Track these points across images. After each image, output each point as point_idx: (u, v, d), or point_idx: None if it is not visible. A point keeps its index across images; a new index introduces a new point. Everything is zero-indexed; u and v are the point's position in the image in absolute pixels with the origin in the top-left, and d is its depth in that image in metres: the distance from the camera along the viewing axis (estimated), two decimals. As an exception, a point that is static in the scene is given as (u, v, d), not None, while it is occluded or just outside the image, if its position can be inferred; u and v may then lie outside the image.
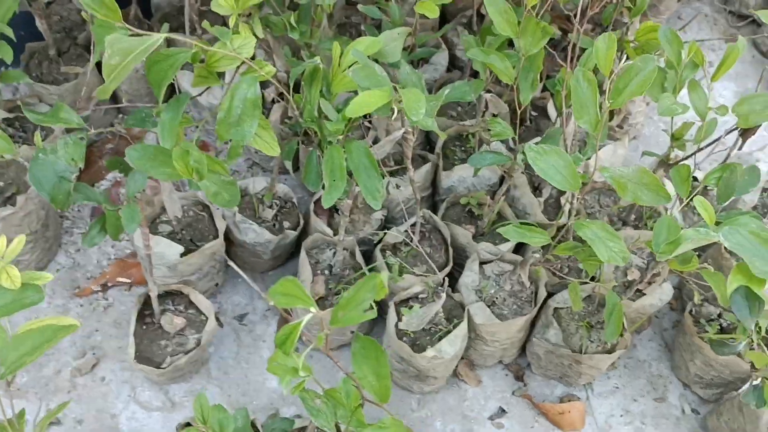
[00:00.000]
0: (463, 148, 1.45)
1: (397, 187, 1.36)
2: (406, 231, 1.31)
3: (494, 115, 1.43)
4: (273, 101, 1.46)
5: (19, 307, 0.79)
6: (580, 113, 0.92)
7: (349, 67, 0.96)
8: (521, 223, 1.05)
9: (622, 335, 1.23)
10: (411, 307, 1.22)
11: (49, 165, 0.92)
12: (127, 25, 0.84)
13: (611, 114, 1.49)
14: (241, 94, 0.91)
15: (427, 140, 1.53)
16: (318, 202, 1.34)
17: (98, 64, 0.88)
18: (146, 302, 1.22)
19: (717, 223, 0.91)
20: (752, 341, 0.95)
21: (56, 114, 0.98)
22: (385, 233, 1.30)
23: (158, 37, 0.82)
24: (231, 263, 0.92)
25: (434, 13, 1.08)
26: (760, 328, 0.91)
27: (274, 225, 1.33)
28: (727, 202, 1.02)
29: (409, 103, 0.81)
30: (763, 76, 1.35)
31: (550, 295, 1.28)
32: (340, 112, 0.99)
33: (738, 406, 1.17)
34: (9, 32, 1.18)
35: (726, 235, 0.81)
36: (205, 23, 1.14)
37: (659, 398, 1.36)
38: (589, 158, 1.01)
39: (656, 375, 1.38)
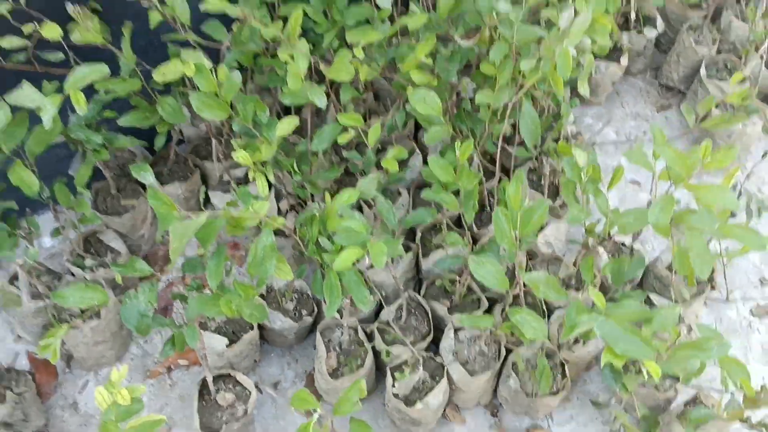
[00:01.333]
0: (437, 235, 1.84)
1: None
2: (397, 309, 1.70)
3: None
4: (287, 211, 1.86)
5: (129, 416, 1.19)
6: (501, 239, 1.31)
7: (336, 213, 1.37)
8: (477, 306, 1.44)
9: (564, 378, 1.60)
10: (403, 372, 1.61)
11: (134, 307, 1.33)
12: (181, 211, 1.25)
13: (556, 195, 1.87)
14: (262, 243, 1.31)
15: (411, 230, 1.92)
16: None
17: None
18: (203, 383, 1.63)
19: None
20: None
21: (132, 265, 1.39)
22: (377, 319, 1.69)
23: (203, 218, 1.22)
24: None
25: (395, 167, 1.48)
26: (626, 388, 1.28)
27: (294, 313, 1.73)
28: (619, 285, 1.40)
29: (375, 256, 1.21)
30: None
31: (509, 351, 1.66)
32: (334, 243, 1.39)
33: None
34: (87, 194, 1.60)
35: (599, 326, 1.19)
36: (233, 186, 1.55)
37: (606, 422, 1.73)
38: (512, 261, 1.39)
39: (603, 404, 1.75)
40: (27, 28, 1.43)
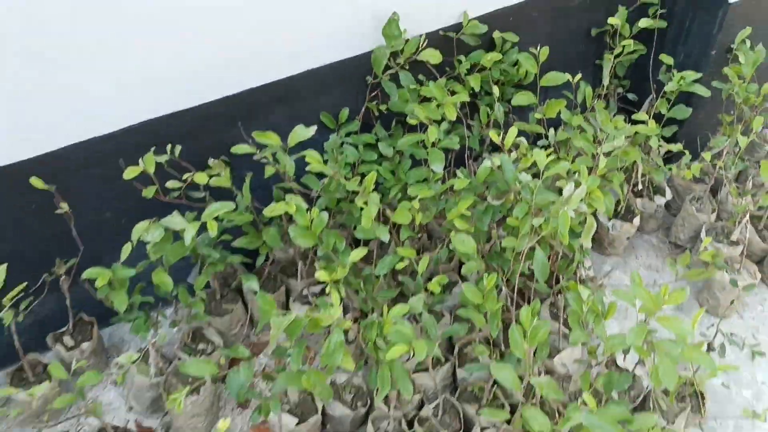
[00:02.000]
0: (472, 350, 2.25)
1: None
2: (435, 407, 2.10)
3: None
4: (352, 321, 2.32)
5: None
6: (515, 348, 1.73)
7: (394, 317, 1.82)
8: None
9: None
10: (435, 458, 1.98)
11: (236, 380, 1.78)
12: (277, 309, 1.73)
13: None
14: (334, 339, 1.77)
15: (450, 344, 2.34)
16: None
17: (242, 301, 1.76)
18: (275, 455, 2.03)
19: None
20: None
21: (236, 349, 1.87)
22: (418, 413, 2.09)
23: (293, 315, 1.70)
24: None
25: (438, 290, 1.94)
26: None
27: (351, 404, 2.15)
28: (609, 394, 1.78)
29: (418, 351, 1.65)
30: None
31: (524, 451, 2.01)
32: (388, 347, 1.83)
33: None
34: (203, 295, 2.11)
35: (586, 419, 1.56)
36: (311, 299, 2.03)
37: None
38: (524, 370, 1.79)
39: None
40: (186, 175, 2.00)
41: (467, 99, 2.26)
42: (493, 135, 1.99)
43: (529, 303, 2.25)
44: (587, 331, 1.89)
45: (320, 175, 2.18)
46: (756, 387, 2.31)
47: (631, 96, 2.77)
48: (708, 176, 2.71)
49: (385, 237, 1.97)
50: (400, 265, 2.00)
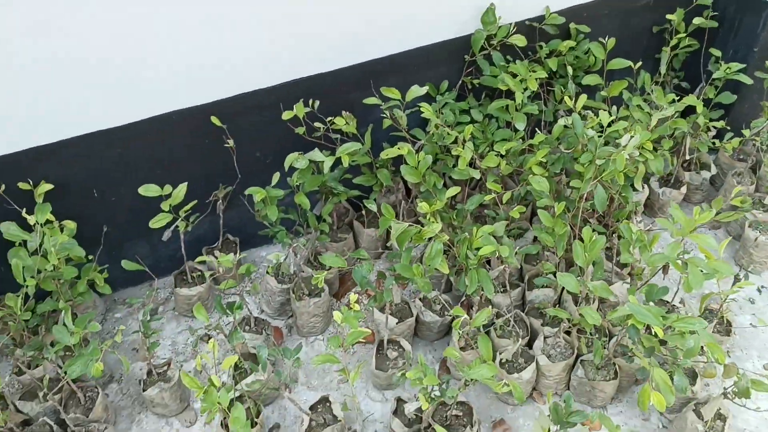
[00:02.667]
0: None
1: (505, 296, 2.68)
2: (506, 320, 2.61)
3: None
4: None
5: (355, 322, 2.16)
6: (576, 257, 2.24)
7: (479, 237, 2.35)
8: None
9: (616, 378, 2.42)
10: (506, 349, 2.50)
11: (360, 271, 2.34)
12: (395, 219, 2.29)
13: (624, 266, 2.76)
14: (435, 246, 2.32)
15: (520, 273, 2.85)
16: (463, 302, 2.68)
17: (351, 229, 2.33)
18: (380, 344, 2.58)
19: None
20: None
21: (359, 252, 2.43)
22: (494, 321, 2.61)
23: (405, 225, 2.25)
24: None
25: (517, 216, 2.47)
26: (642, 342, 2.11)
27: (440, 313, 2.68)
28: (650, 301, 2.27)
29: (503, 251, 2.18)
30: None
31: (579, 357, 2.50)
32: (476, 256, 2.36)
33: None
34: (329, 220, 2.69)
35: (630, 307, 2.06)
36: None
37: (645, 419, 2.50)
38: (582, 275, 2.29)
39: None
40: (329, 119, 2.59)
41: (545, 76, 2.79)
42: (567, 99, 2.52)
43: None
44: (635, 258, 2.38)
45: (425, 126, 2.74)
46: (780, 327, 2.75)
47: (684, 84, 3.25)
48: (750, 156, 3.15)
49: (476, 175, 2.51)
50: (488, 198, 2.52)
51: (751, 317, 2.79)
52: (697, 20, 2.99)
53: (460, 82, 2.93)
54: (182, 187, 2.53)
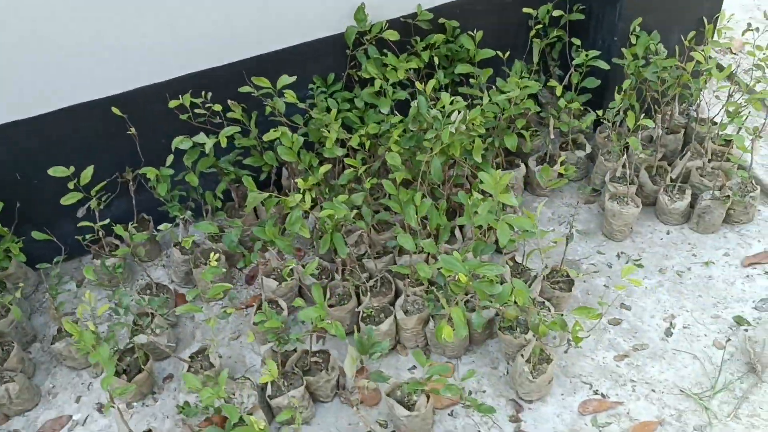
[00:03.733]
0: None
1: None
2: (374, 281, 2.94)
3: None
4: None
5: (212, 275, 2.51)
6: (409, 219, 2.56)
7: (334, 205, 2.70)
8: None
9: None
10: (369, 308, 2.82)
11: (229, 236, 2.69)
12: (256, 191, 2.64)
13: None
14: (295, 213, 2.66)
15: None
16: (337, 268, 3.02)
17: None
18: (260, 305, 2.92)
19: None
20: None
21: (237, 224, 2.79)
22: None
23: (266, 195, 2.61)
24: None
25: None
26: (450, 288, 2.42)
27: (318, 276, 3.02)
28: (477, 255, 2.58)
29: (347, 216, 2.52)
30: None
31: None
32: (332, 221, 2.70)
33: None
34: (218, 202, 3.06)
35: (442, 259, 2.39)
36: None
37: (494, 367, 2.79)
38: (419, 240, 2.62)
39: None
40: (216, 107, 2.96)
41: (416, 66, 3.12)
42: (418, 84, 2.85)
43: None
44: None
45: (303, 113, 3.10)
46: (629, 286, 3.02)
47: (558, 73, 3.55)
48: (623, 136, 3.43)
49: (340, 153, 2.85)
50: (348, 173, 2.86)
51: (605, 279, 3.07)
52: (556, 12, 3.30)
53: (346, 74, 3.28)
54: (89, 169, 2.92)
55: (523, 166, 3.40)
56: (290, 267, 2.73)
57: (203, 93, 3.01)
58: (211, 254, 2.55)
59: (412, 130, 2.80)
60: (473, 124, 2.66)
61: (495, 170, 2.80)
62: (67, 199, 2.92)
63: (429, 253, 2.82)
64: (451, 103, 2.75)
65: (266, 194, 2.61)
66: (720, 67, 3.66)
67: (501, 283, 2.39)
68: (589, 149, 3.46)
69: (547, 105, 3.67)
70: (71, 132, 2.98)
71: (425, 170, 2.81)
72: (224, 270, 2.68)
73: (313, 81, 3.25)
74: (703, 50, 3.08)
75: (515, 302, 2.36)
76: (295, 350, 2.72)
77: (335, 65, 3.27)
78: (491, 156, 3.10)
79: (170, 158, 2.94)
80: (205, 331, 3.05)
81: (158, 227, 2.90)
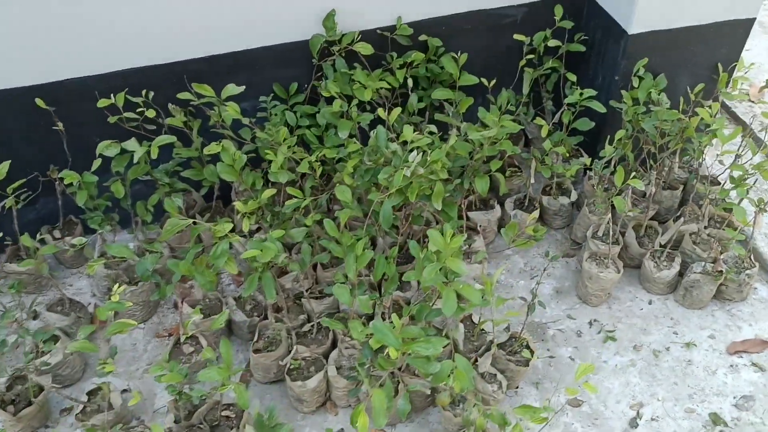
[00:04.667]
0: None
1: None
2: (311, 329, 2.60)
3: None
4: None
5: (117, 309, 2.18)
6: (348, 270, 2.22)
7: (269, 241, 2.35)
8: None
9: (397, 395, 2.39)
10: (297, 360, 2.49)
11: (143, 264, 2.36)
12: (178, 215, 2.30)
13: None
14: (221, 246, 2.31)
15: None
16: (274, 304, 2.67)
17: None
18: (178, 340, 2.59)
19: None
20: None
21: (152, 246, 2.45)
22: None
23: (190, 222, 2.26)
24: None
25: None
26: (380, 363, 2.07)
27: (249, 313, 2.68)
28: (420, 320, 2.23)
29: (274, 257, 2.17)
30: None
31: (370, 368, 2.48)
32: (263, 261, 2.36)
33: None
34: (149, 214, 2.72)
35: (374, 328, 2.04)
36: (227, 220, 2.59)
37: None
38: (356, 292, 2.27)
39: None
40: (149, 113, 2.61)
41: (387, 86, 2.76)
42: (380, 111, 2.49)
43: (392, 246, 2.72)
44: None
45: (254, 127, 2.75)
46: (598, 363, 2.67)
47: (551, 108, 3.17)
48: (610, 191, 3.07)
49: (284, 179, 2.50)
50: (289, 203, 2.50)
51: (572, 350, 2.72)
52: (552, 42, 2.92)
53: (310, 85, 2.92)
54: (5, 165, 2.58)
55: (498, 207, 3.04)
56: (190, 320, 2.37)
57: (143, 92, 2.66)
58: (115, 286, 2.21)
59: (367, 164, 2.45)
60: (435, 167, 2.30)
61: (456, 220, 2.47)
62: (-25, 196, 2.59)
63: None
64: (413, 140, 2.39)
65: (188, 221, 2.26)
66: (736, 117, 3.27)
67: (442, 359, 2.05)
68: (574, 196, 3.09)
69: (534, 141, 3.31)
70: (-10, 121, 2.64)
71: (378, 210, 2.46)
72: (130, 304, 2.35)
73: (273, 90, 2.89)
74: (710, 106, 2.69)
75: (456, 387, 2.02)
76: (205, 399, 2.38)
77: (300, 75, 2.91)
78: (460, 196, 2.74)
79: (97, 162, 2.59)
80: (120, 356, 2.73)
81: (73, 241, 2.57)
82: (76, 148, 2.76)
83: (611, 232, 2.78)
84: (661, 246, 2.86)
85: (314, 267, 2.78)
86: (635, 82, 2.82)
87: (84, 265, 3.04)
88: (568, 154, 3.03)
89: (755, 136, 3.33)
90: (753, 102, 3.81)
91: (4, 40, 2.45)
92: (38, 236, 2.89)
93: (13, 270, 2.82)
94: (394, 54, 2.88)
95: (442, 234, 2.14)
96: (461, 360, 2.09)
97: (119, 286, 2.21)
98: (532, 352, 2.51)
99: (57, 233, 2.96)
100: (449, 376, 2.06)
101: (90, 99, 2.65)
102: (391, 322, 2.09)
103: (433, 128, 2.70)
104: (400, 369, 2.31)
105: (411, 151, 2.31)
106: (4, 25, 2.41)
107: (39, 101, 2.59)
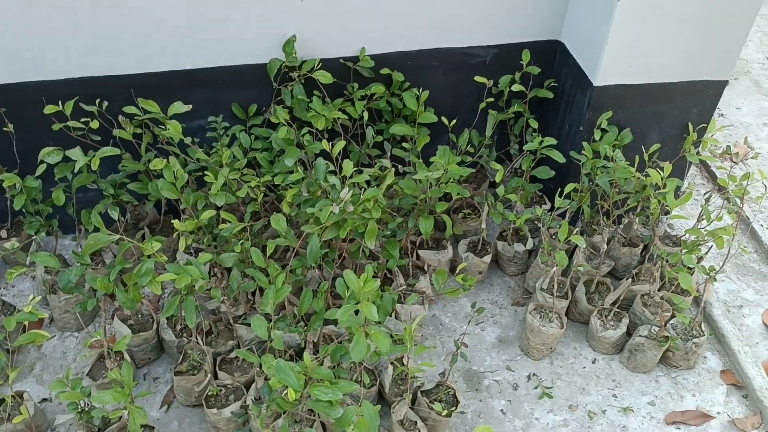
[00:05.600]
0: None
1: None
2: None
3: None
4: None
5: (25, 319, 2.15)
6: (264, 306, 2.17)
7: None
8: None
9: None
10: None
11: (66, 276, 2.33)
12: (104, 231, 2.26)
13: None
14: (146, 265, 2.28)
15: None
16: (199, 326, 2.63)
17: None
18: (102, 355, 2.55)
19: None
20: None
21: (81, 258, 2.42)
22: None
23: (118, 237, 2.23)
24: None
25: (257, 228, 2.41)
26: (277, 403, 2.01)
27: (179, 333, 2.64)
28: (335, 361, 2.17)
29: (187, 281, 2.13)
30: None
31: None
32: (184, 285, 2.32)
33: None
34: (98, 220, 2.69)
35: (272, 366, 1.98)
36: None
37: None
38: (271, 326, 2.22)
39: None
40: (93, 124, 2.60)
41: (342, 117, 2.72)
42: (324, 144, 2.45)
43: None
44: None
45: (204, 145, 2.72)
46: (529, 420, 2.58)
47: (514, 151, 3.11)
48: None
49: (221, 202, 2.46)
50: (222, 227, 2.46)
51: (505, 403, 2.64)
52: (516, 86, 2.86)
53: (270, 108, 2.89)
54: (-49, 163, 2.59)
55: (450, 248, 2.98)
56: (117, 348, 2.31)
57: (97, 101, 2.65)
58: (30, 296, 2.18)
59: (305, 195, 2.40)
60: (369, 204, 2.25)
61: (399, 258, 2.42)
62: None
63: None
64: (353, 174, 2.35)
65: (113, 236, 2.23)
66: (714, 177, 3.19)
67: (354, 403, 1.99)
68: (530, 244, 3.02)
69: (494, 184, 3.25)
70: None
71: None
72: (45, 315, 2.30)
73: (232, 110, 2.87)
74: (662, 168, 2.61)
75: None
76: (120, 419, 2.34)
77: (260, 97, 2.88)
78: (404, 235, 2.68)
79: (41, 168, 2.57)
80: (47, 364, 2.69)
81: (6, 245, 2.55)
82: (26, 150, 2.76)
83: (556, 285, 2.70)
84: (611, 304, 2.78)
85: (253, 293, 2.73)
86: (597, 135, 2.75)
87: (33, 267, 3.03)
88: (526, 201, 2.96)
89: (734, 200, 3.24)
90: (734, 162, 3.72)
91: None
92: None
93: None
94: (356, 85, 2.84)
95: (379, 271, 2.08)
96: (367, 407, 2.02)
97: (34, 297, 2.18)
98: (457, 403, 2.43)
99: (3, 233, 2.94)
100: (351, 423, 2.00)
101: (43, 103, 2.64)
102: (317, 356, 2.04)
103: (387, 163, 2.66)
104: (311, 411, 2.25)
105: (344, 187, 2.26)
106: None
107: (-12, 100, 2.59)
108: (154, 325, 2.65)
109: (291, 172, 2.67)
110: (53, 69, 2.63)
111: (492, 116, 2.96)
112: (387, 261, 2.64)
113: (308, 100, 2.77)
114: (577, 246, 2.87)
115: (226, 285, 2.54)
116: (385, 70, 2.85)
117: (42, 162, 2.53)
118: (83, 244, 2.83)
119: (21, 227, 2.99)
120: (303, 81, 2.78)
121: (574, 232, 2.55)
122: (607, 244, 2.76)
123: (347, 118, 2.80)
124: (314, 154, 2.71)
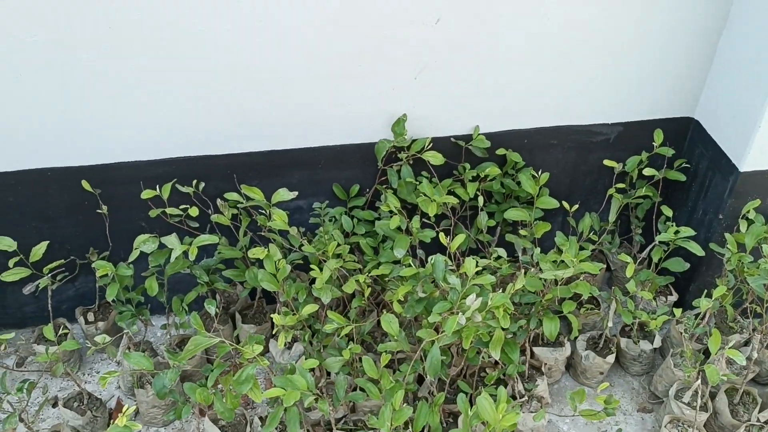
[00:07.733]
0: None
1: None
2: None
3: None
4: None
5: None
6: (381, 425, 1.92)
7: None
8: None
9: None
10: None
11: (160, 380, 2.13)
12: (204, 332, 2.06)
13: None
14: (247, 371, 2.06)
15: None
16: None
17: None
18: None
19: None
20: None
21: (175, 357, 2.22)
22: None
23: (219, 339, 2.02)
24: None
25: (366, 330, 2.17)
26: None
27: (274, 439, 2.40)
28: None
29: (295, 398, 1.90)
30: None
31: None
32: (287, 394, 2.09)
33: None
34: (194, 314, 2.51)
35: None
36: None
37: None
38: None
39: None
40: (192, 211, 2.43)
41: (454, 201, 2.49)
42: (442, 237, 2.21)
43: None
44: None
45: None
46: None
47: (639, 238, 2.81)
48: (708, 335, 2.66)
49: (327, 299, 2.25)
50: (327, 328, 2.24)
51: None
52: (647, 170, 2.58)
53: (373, 189, 2.68)
54: (42, 245, 2.45)
55: (568, 345, 2.68)
56: None
57: (194, 183, 2.50)
58: (125, 407, 1.98)
59: (420, 294, 2.17)
60: (498, 312, 1.99)
61: (517, 364, 2.14)
62: (10, 275, 2.45)
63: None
64: (479, 272, 2.10)
65: (214, 339, 2.02)
66: None
67: None
68: (658, 342, 2.69)
69: (617, 271, 2.95)
70: (32, 198, 2.51)
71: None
72: (139, 427, 2.09)
73: (333, 191, 2.67)
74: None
75: None
76: None
77: (363, 177, 2.68)
78: (525, 336, 2.41)
79: (134, 254, 2.41)
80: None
81: (96, 338, 2.38)
82: (118, 231, 2.62)
83: (699, 396, 2.37)
84: (759, 421, 2.43)
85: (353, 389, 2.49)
86: (743, 226, 2.44)
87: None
88: (653, 294, 2.65)
89: None
90: None
91: (57, 120, 2.33)
92: (60, 330, 2.70)
93: (40, 352, 2.66)
94: (467, 165, 2.62)
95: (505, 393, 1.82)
96: None
97: (128, 408, 1.98)
98: None
99: (91, 316, 2.79)
100: None
101: (138, 184, 2.50)
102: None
103: (503, 252, 2.42)
104: None
105: (469, 293, 2.01)
106: (57, 105, 2.30)
107: (85, 183, 2.46)
108: (248, 428, 2.42)
109: (397, 262, 2.45)
110: (147, 150, 2.48)
111: (616, 199, 2.69)
112: (506, 365, 2.37)
113: (416, 182, 2.55)
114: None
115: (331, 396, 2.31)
116: (500, 151, 2.61)
117: (136, 249, 2.38)
118: (172, 332, 2.66)
119: (108, 310, 2.84)
120: (411, 162, 2.57)
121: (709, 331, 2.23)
122: (757, 352, 2.42)
123: (458, 201, 2.56)
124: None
